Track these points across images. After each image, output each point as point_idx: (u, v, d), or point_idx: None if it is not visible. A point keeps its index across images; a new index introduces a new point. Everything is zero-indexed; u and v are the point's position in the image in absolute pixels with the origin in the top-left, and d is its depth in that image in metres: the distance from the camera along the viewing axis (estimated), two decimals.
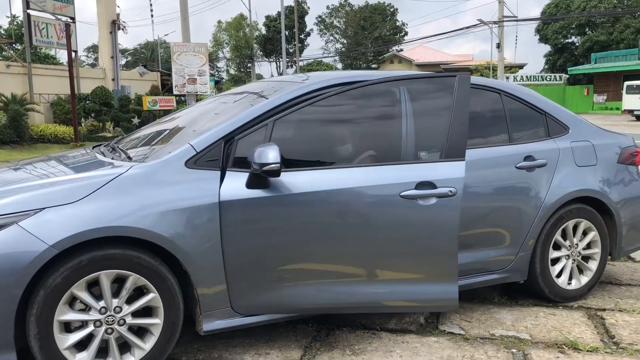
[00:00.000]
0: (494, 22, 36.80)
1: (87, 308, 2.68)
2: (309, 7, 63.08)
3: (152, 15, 48.52)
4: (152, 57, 63.36)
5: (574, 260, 3.91)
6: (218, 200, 2.83)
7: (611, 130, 4.33)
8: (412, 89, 3.27)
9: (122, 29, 24.59)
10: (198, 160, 2.91)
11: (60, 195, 2.65)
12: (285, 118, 3.04)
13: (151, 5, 54.54)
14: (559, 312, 3.72)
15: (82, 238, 2.57)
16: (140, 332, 2.82)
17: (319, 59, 56.82)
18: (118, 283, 2.74)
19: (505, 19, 36.61)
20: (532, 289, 3.88)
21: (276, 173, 2.75)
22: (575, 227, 3.88)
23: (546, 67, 48.94)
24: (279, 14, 62.13)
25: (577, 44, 46.01)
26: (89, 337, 2.70)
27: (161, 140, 3.44)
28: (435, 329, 3.46)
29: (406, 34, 64.14)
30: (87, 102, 20.16)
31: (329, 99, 3.11)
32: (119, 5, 24.77)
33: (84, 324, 2.69)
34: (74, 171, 3.10)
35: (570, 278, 3.91)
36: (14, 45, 28.48)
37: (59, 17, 21.20)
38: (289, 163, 2.95)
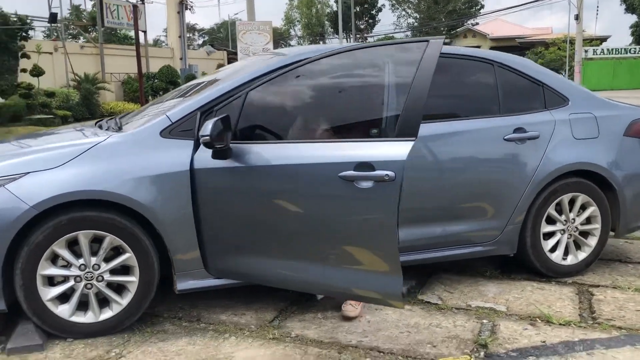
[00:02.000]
0: None
1: (68, 265, 2.95)
2: None
3: None
4: (228, 37, 64.80)
5: (570, 235, 3.81)
6: (189, 169, 3.00)
7: (622, 102, 4.14)
8: (377, 59, 3.15)
9: (190, 9, 25.30)
10: (173, 130, 3.08)
11: (42, 162, 2.91)
12: (254, 92, 3.12)
13: None
14: (548, 287, 3.67)
15: (58, 200, 2.82)
16: (119, 289, 3.06)
17: (390, 34, 55.93)
18: (98, 243, 2.98)
19: None
20: (524, 263, 3.83)
21: (208, 145, 2.81)
22: (571, 202, 3.78)
23: (632, 39, 45.90)
24: None
25: None
26: (71, 292, 2.97)
27: (152, 112, 3.64)
28: (414, 298, 3.51)
29: (482, 7, 62.06)
30: (155, 80, 21.05)
31: (296, 72, 3.15)
32: None
33: (65, 279, 2.95)
34: (59, 141, 3.36)
35: (565, 253, 3.83)
36: (89, 28, 29.92)
37: None
38: (250, 136, 3.06)
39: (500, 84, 3.70)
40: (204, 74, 22.81)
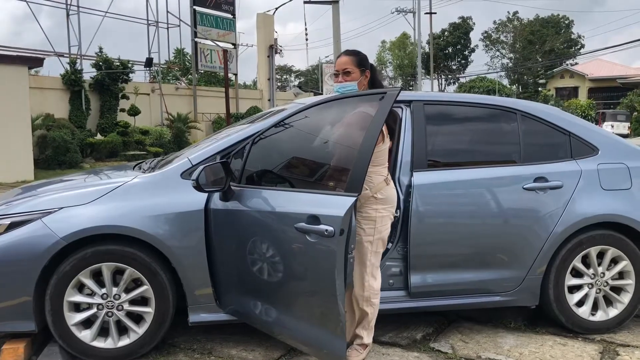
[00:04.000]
0: None
1: (92, 293, 3.23)
2: (474, 23, 61.70)
3: (306, 39, 50.90)
4: (320, 78, 66.80)
5: (599, 290, 3.65)
6: (204, 208, 3.23)
7: None
8: (339, 113, 3.11)
9: (279, 53, 26.43)
10: (193, 173, 3.33)
11: (75, 198, 3.26)
12: (261, 140, 3.31)
13: (306, 29, 57.36)
14: (571, 343, 3.52)
15: (84, 234, 3.13)
16: (137, 318, 3.30)
17: (482, 75, 55.16)
18: (120, 274, 3.25)
19: None
20: (549, 316, 3.70)
21: (198, 188, 3.00)
22: (600, 255, 3.63)
23: None
24: (442, 31, 61.90)
25: None
26: (94, 319, 3.24)
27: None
28: (425, 346, 3.49)
29: (582, 46, 59.97)
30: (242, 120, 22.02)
31: (288, 124, 3.31)
32: (276, 30, 26.69)
33: (89, 306, 3.24)
34: (97, 180, 3.71)
35: (595, 309, 3.66)
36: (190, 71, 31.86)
37: (219, 43, 23.41)
38: (252, 180, 3.24)
39: (522, 133, 3.67)
40: None
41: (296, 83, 69.69)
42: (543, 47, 57.30)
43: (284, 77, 73.73)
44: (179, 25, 24.96)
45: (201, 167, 3.03)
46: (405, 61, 64.75)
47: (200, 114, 23.30)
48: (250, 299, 3.18)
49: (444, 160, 3.68)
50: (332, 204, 2.67)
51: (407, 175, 3.48)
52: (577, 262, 3.60)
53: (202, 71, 24.47)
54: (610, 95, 45.30)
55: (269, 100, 26.25)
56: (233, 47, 24.85)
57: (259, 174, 3.30)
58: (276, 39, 26.45)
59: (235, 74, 25.37)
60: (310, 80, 67.84)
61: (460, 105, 3.85)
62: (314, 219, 2.70)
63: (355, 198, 2.62)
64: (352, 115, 2.96)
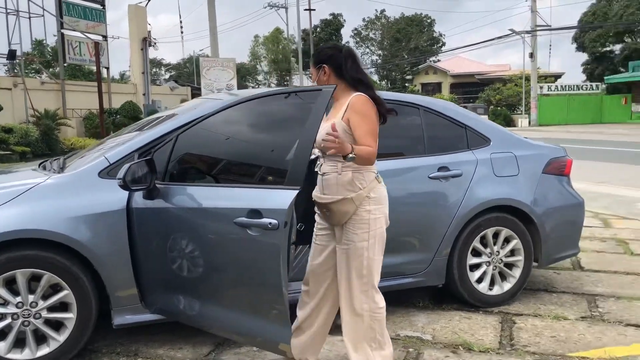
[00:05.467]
0: (526, 32, 36.46)
1: (5, 303, 3.03)
2: (344, 20, 63.55)
3: (182, 32, 49.59)
4: (196, 72, 65.21)
5: (495, 267, 4.06)
6: (125, 208, 3.15)
7: (542, 142, 4.47)
8: (277, 108, 3.24)
9: (153, 46, 25.53)
10: (111, 171, 3.23)
11: None
12: (181, 137, 3.30)
13: (181, 22, 55.89)
14: (475, 316, 3.89)
15: None
16: (57, 325, 3.15)
17: None
18: (36, 281, 3.08)
19: (538, 28, 36.22)
20: (453, 294, 4.05)
21: (124, 187, 2.95)
22: (495, 235, 4.04)
23: (584, 76, 47.88)
24: (315, 27, 63.07)
25: (615, 52, 44.88)
26: (8, 330, 3.05)
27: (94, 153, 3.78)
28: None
29: (443, 44, 64.04)
30: (117, 116, 21.02)
31: (213, 118, 3.32)
32: (149, 22, 25.74)
33: (2, 317, 3.03)
34: (3, 182, 3.46)
35: (492, 284, 4.07)
36: (52, 64, 29.85)
37: (89, 35, 22.17)
38: (178, 177, 3.24)
39: (425, 126, 3.97)
40: (167, 109, 23.00)
41: (167, 77, 67.54)
42: (409, 45, 60.44)
43: (154, 70, 71.07)
44: (43, 15, 23.24)
45: (127, 165, 2.95)
46: (279, 56, 65.19)
47: (70, 109, 21.88)
48: (180, 296, 3.16)
49: None
50: (274, 198, 2.72)
51: None
52: (476, 243, 3.98)
53: (69, 64, 22.96)
54: (469, 90, 48.98)
55: (144, 94, 25.28)
56: (103, 39, 23.59)
57: (184, 171, 3.28)
58: (149, 31, 25.50)
59: (107, 68, 24.13)
60: (182, 74, 66.10)
61: None
62: (255, 213, 2.74)
63: (297, 191, 2.66)
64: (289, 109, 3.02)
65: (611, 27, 41.44)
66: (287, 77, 65.59)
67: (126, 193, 3.16)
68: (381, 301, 2.89)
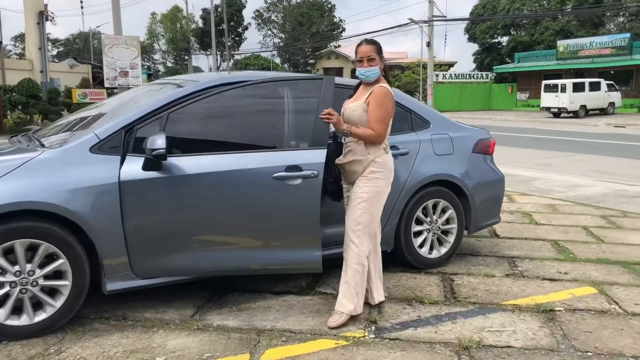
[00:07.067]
0: (424, 22, 38.27)
1: (3, 271, 3.18)
2: (245, 1, 62.89)
3: (82, 7, 46.93)
4: (86, 48, 61.97)
5: (434, 233, 4.66)
6: (118, 181, 3.37)
7: (469, 125, 5.13)
8: (288, 89, 3.91)
9: (51, 20, 24.21)
10: (102, 147, 3.44)
11: None
12: (178, 111, 3.60)
13: None
14: (419, 276, 4.47)
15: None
16: (52, 292, 3.33)
17: (257, 53, 56.94)
18: (33, 250, 3.24)
19: (434, 19, 38.14)
20: (399, 258, 4.61)
21: (163, 157, 3.31)
22: (435, 206, 4.63)
23: (475, 65, 51.07)
24: (216, 7, 62.02)
25: (503, 44, 48.25)
26: (6, 297, 3.20)
27: (74, 129, 3.92)
28: (313, 290, 4.13)
29: (344, 30, 65.33)
30: (13, 94, 19.87)
31: (215, 96, 3.70)
32: None
33: (1, 285, 3.18)
34: None
35: (431, 249, 4.67)
36: None
37: None
38: (180, 149, 3.53)
39: None
40: (67, 87, 21.97)
41: (54, 53, 63.83)
42: (311, 29, 61.12)
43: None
44: None
45: (159, 136, 3.26)
46: (178, 35, 63.54)
47: None
48: (193, 253, 3.55)
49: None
50: (309, 156, 3.59)
51: None
52: (419, 213, 4.55)
53: None
54: None
55: (42, 71, 23.97)
56: None
57: (191, 142, 3.71)
58: (46, 4, 24.11)
59: (0, 42, 22.60)
60: (71, 51, 62.76)
61: None
62: (295, 167, 3.55)
63: (325, 149, 3.56)
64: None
65: (499, 20, 44.44)
66: (187, 57, 64.19)
67: (117, 167, 3.38)
68: (368, 252, 3.63)
